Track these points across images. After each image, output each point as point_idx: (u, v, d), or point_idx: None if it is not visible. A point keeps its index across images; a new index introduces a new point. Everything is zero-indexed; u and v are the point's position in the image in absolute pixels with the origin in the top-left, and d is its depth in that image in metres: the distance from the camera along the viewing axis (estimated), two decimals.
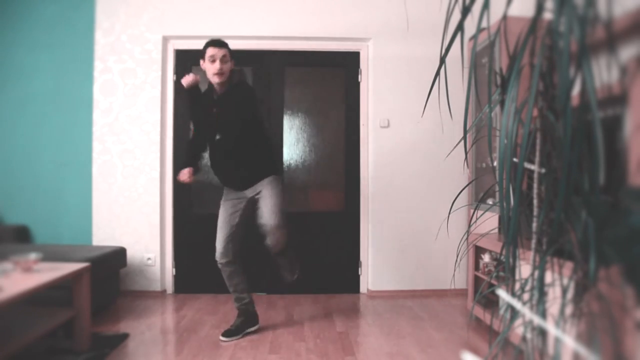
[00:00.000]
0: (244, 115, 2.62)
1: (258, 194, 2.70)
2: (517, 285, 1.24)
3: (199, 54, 2.63)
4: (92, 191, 3.61)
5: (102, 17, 3.61)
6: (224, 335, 2.64)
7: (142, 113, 3.61)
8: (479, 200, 2.62)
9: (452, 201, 2.61)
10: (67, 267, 2.40)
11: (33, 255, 2.32)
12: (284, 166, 3.74)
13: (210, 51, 2.56)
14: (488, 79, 1.22)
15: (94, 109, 3.61)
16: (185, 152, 2.97)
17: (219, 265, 2.70)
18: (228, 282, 2.73)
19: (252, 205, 2.74)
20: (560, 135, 1.05)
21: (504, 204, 1.16)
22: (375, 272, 3.66)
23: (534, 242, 1.21)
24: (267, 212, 2.61)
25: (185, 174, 2.66)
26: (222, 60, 2.55)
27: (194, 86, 2.61)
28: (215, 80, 2.57)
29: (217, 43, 2.58)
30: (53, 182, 3.66)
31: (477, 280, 2.95)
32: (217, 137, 2.65)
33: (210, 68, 2.56)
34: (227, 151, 2.67)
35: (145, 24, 3.61)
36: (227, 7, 3.62)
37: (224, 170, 2.74)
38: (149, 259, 3.59)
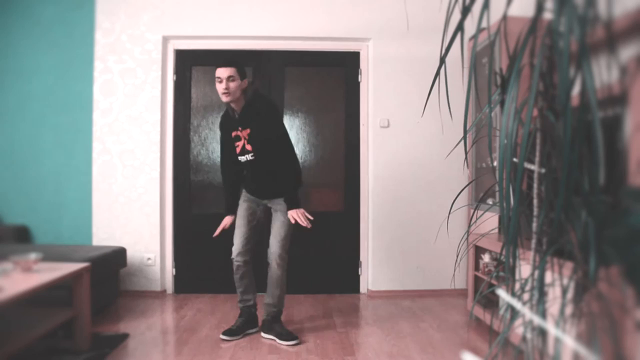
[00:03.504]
0: (268, 134, 2.60)
1: (276, 205, 2.73)
2: (517, 285, 1.24)
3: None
4: (92, 191, 3.61)
5: (102, 17, 3.61)
6: (224, 334, 2.64)
7: (142, 113, 3.61)
8: (479, 200, 2.62)
9: (452, 201, 2.61)
10: (67, 267, 2.40)
11: (33, 255, 2.32)
12: None
13: (216, 73, 2.54)
14: (488, 79, 1.22)
15: (94, 109, 3.61)
16: (223, 182, 2.91)
17: (235, 264, 2.69)
18: (238, 282, 2.72)
19: (268, 213, 2.80)
20: (560, 135, 1.05)
21: (504, 204, 1.16)
22: (375, 272, 3.66)
23: (534, 242, 1.21)
24: (274, 239, 2.68)
25: (227, 222, 2.79)
26: (228, 80, 2.51)
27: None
28: (223, 99, 2.56)
29: (222, 63, 2.55)
30: (53, 182, 3.66)
31: (477, 280, 2.95)
32: (245, 158, 2.66)
33: (218, 88, 2.55)
34: (256, 169, 2.68)
35: (145, 24, 3.61)
36: (227, 7, 3.62)
37: (253, 186, 2.77)
38: (149, 259, 3.59)
